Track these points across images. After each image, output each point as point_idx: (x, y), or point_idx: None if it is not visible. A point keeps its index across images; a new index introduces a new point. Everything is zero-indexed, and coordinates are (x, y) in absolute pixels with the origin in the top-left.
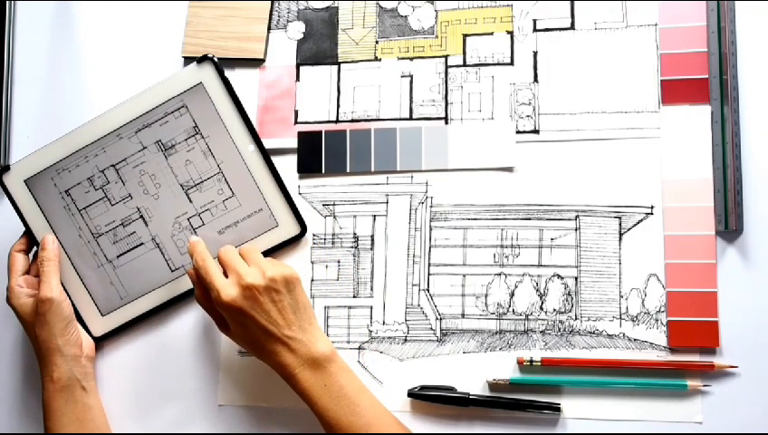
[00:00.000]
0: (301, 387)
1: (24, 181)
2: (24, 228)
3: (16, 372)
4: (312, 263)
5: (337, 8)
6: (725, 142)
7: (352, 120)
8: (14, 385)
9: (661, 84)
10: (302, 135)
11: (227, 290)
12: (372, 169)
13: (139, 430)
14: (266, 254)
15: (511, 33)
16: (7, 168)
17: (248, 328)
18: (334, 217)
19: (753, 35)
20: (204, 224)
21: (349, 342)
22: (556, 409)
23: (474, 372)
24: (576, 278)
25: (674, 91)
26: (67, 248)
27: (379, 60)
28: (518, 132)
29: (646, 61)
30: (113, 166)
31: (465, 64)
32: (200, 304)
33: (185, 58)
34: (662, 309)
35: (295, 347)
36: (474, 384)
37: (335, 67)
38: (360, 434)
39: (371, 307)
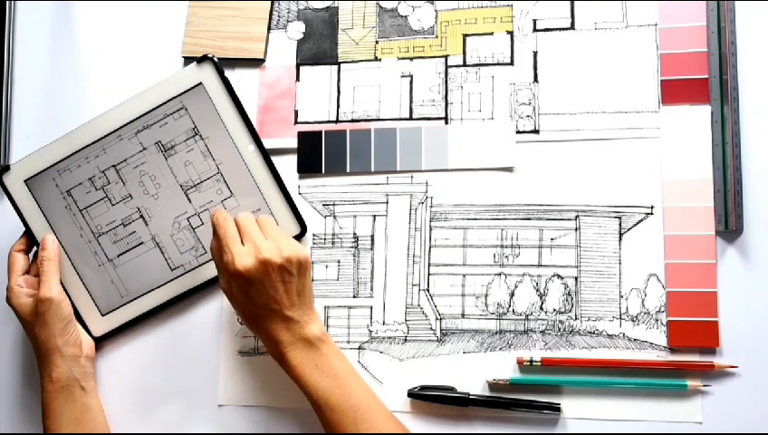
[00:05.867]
0: (291, 365)
1: (24, 181)
2: (24, 228)
3: (16, 372)
4: (312, 263)
5: (337, 8)
6: (725, 142)
7: (352, 120)
8: (13, 385)
9: (661, 84)
10: (302, 135)
11: (243, 258)
12: (372, 169)
13: (139, 430)
14: None
15: (511, 33)
16: (7, 168)
17: (251, 299)
18: (334, 217)
19: (753, 35)
20: (203, 224)
21: (349, 342)
22: (556, 409)
23: (474, 372)
24: (576, 278)
25: (674, 91)
26: (67, 248)
27: (379, 60)
28: (518, 132)
29: (646, 61)
30: (114, 166)
31: (465, 64)
32: (215, 256)
33: (185, 58)
34: (662, 309)
35: (291, 326)
36: (474, 384)
37: (335, 67)
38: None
39: (371, 307)
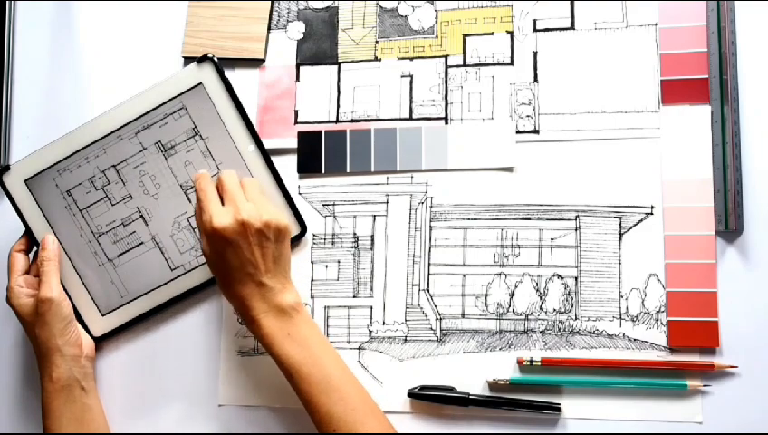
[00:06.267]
0: (263, 332)
1: (24, 181)
2: (24, 228)
3: (16, 372)
4: (312, 263)
5: (337, 8)
6: (725, 142)
7: (352, 120)
8: (13, 385)
9: (661, 84)
10: (302, 135)
11: (221, 217)
12: (372, 169)
13: (139, 430)
14: None
15: (511, 33)
16: (7, 168)
17: (226, 261)
18: (334, 217)
19: (753, 35)
20: None
21: (349, 342)
22: (556, 409)
23: (474, 372)
24: (576, 278)
25: (674, 91)
26: (67, 248)
27: (379, 60)
28: (518, 132)
29: (646, 61)
30: (114, 166)
31: (465, 64)
32: (198, 221)
33: (185, 58)
34: (662, 309)
35: (265, 293)
36: (474, 384)
37: (335, 67)
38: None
39: (371, 307)
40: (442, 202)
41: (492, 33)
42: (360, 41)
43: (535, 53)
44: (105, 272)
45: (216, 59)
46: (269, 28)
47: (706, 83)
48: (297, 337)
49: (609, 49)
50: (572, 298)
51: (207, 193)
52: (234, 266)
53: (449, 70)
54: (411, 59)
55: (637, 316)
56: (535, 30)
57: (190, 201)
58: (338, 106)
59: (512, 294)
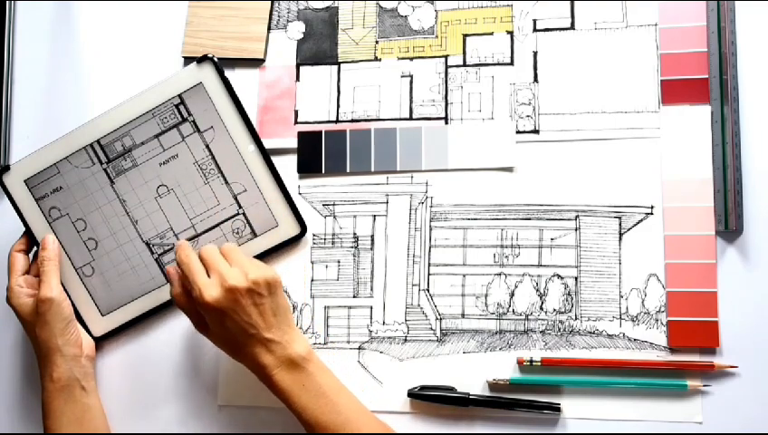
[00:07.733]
0: (279, 387)
1: (24, 181)
2: (24, 228)
3: (16, 372)
4: (312, 263)
5: (337, 8)
6: (725, 142)
7: (352, 121)
8: (14, 385)
9: (661, 84)
10: (302, 135)
11: (210, 290)
12: (372, 169)
13: (139, 430)
14: (267, 254)
15: (511, 33)
16: (7, 168)
17: (228, 329)
18: (334, 217)
19: (753, 35)
20: (203, 223)
21: (349, 342)
22: (556, 409)
23: (474, 372)
24: (576, 278)
25: (674, 91)
26: (67, 248)
27: (379, 60)
28: (518, 132)
29: (646, 61)
30: (114, 166)
31: (465, 64)
32: (177, 302)
33: (185, 58)
34: (662, 309)
35: (274, 349)
36: (474, 384)
37: (335, 67)
38: (340, 433)
39: (371, 307)
40: (442, 202)
41: (492, 33)
42: (360, 41)
43: (535, 53)
44: (105, 272)
45: (215, 59)
46: (269, 28)
47: (706, 83)
48: (312, 387)
49: (609, 49)
50: (572, 298)
51: (192, 266)
52: (236, 332)
53: (449, 70)
54: (411, 59)
55: (637, 316)
56: (535, 30)
57: (191, 201)
58: (338, 106)
59: (512, 294)
